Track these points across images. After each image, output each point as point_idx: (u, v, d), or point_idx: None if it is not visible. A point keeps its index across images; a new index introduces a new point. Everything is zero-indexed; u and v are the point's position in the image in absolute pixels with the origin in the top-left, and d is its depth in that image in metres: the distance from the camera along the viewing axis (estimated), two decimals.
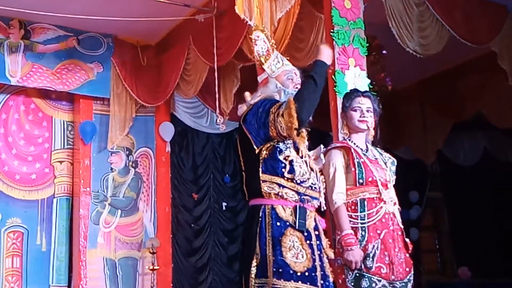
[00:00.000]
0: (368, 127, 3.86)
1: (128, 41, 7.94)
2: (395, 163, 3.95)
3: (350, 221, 3.72)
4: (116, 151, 7.95)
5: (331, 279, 3.19)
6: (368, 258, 3.62)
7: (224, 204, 8.72)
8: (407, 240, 3.79)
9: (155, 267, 7.49)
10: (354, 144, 3.87)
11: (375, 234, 3.66)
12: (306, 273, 3.02)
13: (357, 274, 3.64)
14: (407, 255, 3.75)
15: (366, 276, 3.62)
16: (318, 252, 3.13)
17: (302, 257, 3.05)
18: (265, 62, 3.52)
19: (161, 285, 7.64)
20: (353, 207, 3.75)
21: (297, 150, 3.20)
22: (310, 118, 3.22)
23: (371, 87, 5.04)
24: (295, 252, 3.04)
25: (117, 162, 7.95)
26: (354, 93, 4.01)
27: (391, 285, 3.63)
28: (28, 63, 7.24)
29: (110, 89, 7.74)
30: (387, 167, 3.85)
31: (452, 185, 9.78)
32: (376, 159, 3.87)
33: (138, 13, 6.76)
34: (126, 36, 7.88)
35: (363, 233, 3.68)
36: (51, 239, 7.52)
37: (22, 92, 7.62)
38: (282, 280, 2.97)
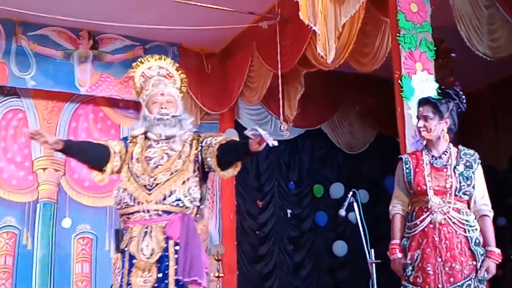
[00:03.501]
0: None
1: (193, 49, 8.05)
2: (471, 166, 3.83)
3: (404, 231, 3.85)
4: None
5: None
6: (407, 267, 3.74)
7: (289, 211, 8.70)
8: (476, 249, 3.68)
9: (220, 274, 7.50)
10: (428, 152, 3.88)
11: (416, 243, 3.74)
12: None
13: (403, 282, 3.80)
14: (470, 263, 3.65)
15: (404, 285, 3.77)
16: (128, 267, 3.25)
17: (118, 275, 3.29)
18: (141, 93, 3.65)
19: None
20: (408, 217, 3.87)
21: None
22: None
23: (440, 91, 4.91)
24: (116, 272, 3.31)
25: None
26: (418, 102, 4.04)
27: None
28: (97, 73, 7.45)
29: None
30: (455, 173, 3.76)
31: None
32: (445, 165, 3.79)
33: (203, 21, 6.83)
34: (191, 45, 7.98)
35: (406, 242, 3.80)
36: None
37: (91, 101, 7.83)
38: None
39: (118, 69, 7.56)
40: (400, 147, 4.84)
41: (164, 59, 3.67)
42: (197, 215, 3.49)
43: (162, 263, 3.20)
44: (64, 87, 7.34)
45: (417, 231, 3.74)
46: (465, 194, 3.76)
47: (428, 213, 3.72)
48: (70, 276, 7.28)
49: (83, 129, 7.76)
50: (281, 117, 6.93)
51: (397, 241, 3.84)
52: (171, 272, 3.18)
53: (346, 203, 4.12)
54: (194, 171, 3.41)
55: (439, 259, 3.64)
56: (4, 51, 7.03)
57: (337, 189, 8.81)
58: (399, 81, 4.87)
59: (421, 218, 3.73)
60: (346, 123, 9.10)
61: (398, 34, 4.99)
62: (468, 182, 3.77)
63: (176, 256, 3.21)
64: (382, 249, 4.03)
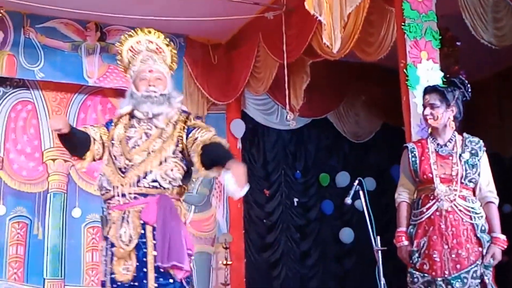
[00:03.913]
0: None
1: (199, 40, 8.07)
2: (477, 153, 3.86)
3: (410, 218, 3.88)
4: None
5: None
6: (413, 254, 3.77)
7: (295, 200, 8.75)
8: (482, 235, 3.72)
9: (228, 262, 7.58)
10: (433, 140, 3.90)
11: (423, 231, 3.77)
12: (104, 278, 3.17)
13: (409, 270, 3.83)
14: (476, 250, 3.69)
15: (410, 272, 3.81)
16: (110, 255, 3.15)
17: (103, 263, 3.19)
18: (129, 69, 3.45)
19: (234, 280, 7.73)
20: (414, 205, 3.90)
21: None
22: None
23: (445, 80, 4.94)
24: (103, 260, 3.21)
25: None
26: (423, 90, 4.06)
27: (433, 281, 3.69)
28: (104, 64, 7.50)
29: (183, 88, 7.87)
30: (460, 160, 3.80)
31: None
32: (450, 153, 3.83)
33: (209, 12, 6.86)
34: (197, 36, 8.00)
35: (412, 230, 3.83)
36: None
37: (99, 92, 7.86)
38: None
39: None
40: (406, 136, 4.87)
41: (154, 33, 3.43)
42: (179, 195, 3.31)
43: (139, 250, 3.06)
44: (73, 78, 7.38)
45: (423, 219, 3.77)
46: (470, 182, 3.80)
47: (434, 200, 3.75)
48: (80, 265, 7.35)
49: (92, 120, 7.79)
50: (287, 106, 6.96)
51: (403, 229, 3.87)
52: (150, 259, 3.04)
53: (352, 191, 4.14)
54: (174, 152, 3.20)
55: (446, 246, 3.68)
56: (12, 44, 7.06)
57: (343, 178, 8.85)
58: (405, 70, 4.91)
59: (427, 206, 3.77)
60: (352, 113, 9.13)
61: (403, 24, 5.02)
62: (474, 170, 3.80)
63: (155, 242, 3.05)
64: (388, 238, 4.06)
